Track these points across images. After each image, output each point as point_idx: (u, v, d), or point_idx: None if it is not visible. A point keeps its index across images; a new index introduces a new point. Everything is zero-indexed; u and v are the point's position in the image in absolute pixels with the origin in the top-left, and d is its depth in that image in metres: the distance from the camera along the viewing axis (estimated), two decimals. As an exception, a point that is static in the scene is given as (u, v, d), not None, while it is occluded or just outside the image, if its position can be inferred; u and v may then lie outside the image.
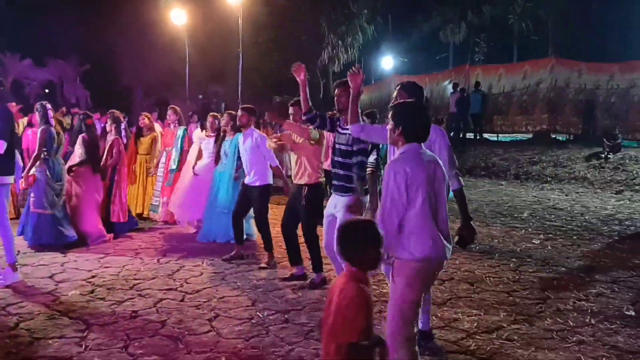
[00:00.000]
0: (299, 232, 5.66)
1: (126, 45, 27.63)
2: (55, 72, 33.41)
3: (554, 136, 17.84)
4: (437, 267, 3.16)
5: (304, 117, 5.01)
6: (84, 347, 3.99)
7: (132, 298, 5.07)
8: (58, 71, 33.27)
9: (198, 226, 7.72)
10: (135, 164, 8.59)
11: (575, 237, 7.78)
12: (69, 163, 7.18)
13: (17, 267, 5.60)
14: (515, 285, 5.61)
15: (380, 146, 7.97)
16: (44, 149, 6.53)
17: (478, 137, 19.07)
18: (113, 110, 7.92)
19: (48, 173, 6.58)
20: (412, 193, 3.00)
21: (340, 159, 4.84)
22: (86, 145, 7.06)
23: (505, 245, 7.33)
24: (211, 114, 8.09)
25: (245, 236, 7.27)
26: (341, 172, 4.82)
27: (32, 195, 6.62)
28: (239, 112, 6.44)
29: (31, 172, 6.45)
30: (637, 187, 12.10)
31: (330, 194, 5.01)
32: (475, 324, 4.53)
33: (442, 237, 3.08)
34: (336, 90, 4.87)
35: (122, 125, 7.73)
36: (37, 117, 6.70)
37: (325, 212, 4.96)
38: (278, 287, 5.48)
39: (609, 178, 13.01)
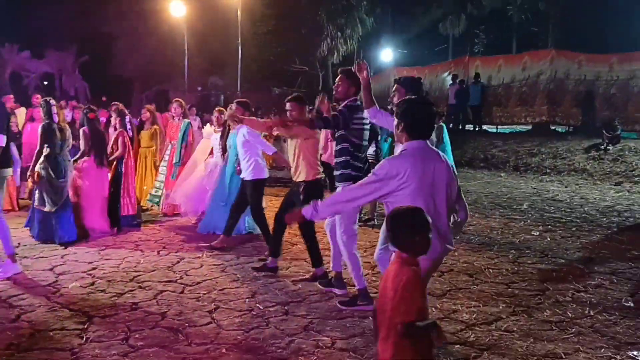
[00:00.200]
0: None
1: (125, 37, 27.54)
2: (53, 64, 33.30)
3: (553, 128, 17.84)
4: (433, 262, 3.20)
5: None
6: (85, 339, 4.00)
7: (132, 290, 5.08)
8: (57, 63, 33.16)
9: (200, 218, 7.74)
10: (138, 157, 8.60)
11: (574, 229, 7.80)
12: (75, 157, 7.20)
13: (17, 258, 5.61)
14: (514, 276, 5.63)
15: (379, 137, 7.99)
16: (47, 145, 6.52)
17: (477, 129, 19.06)
18: (117, 103, 7.92)
19: (50, 170, 6.55)
20: (411, 193, 3.02)
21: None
22: (87, 138, 7.05)
23: (504, 237, 7.34)
24: (217, 108, 8.09)
25: (248, 230, 7.32)
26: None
27: (36, 191, 6.64)
28: (233, 106, 6.45)
29: (36, 169, 6.47)
30: (636, 179, 12.11)
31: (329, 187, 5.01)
32: (474, 316, 4.55)
33: (440, 234, 3.11)
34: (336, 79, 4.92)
35: (127, 118, 7.73)
36: (40, 112, 6.67)
37: None
38: (278, 279, 5.49)
39: (608, 170, 13.02)
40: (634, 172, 12.52)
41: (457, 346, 3.96)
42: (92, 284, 5.25)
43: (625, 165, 13.01)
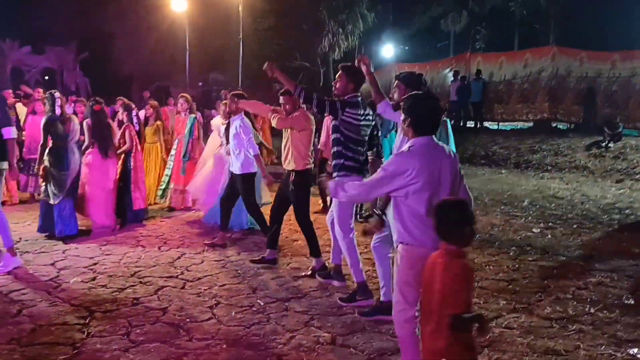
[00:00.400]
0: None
1: (125, 34, 27.51)
2: (54, 60, 33.26)
3: (554, 125, 17.79)
4: (423, 253, 3.20)
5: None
6: (86, 333, 4.02)
7: (133, 285, 5.09)
8: (57, 58, 33.12)
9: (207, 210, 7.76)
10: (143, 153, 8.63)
11: (575, 226, 7.79)
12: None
13: (18, 253, 5.62)
14: (515, 274, 5.63)
15: (379, 133, 7.97)
16: (50, 137, 6.54)
17: (478, 126, 19.02)
18: (122, 98, 7.94)
19: (52, 162, 6.57)
20: (418, 189, 3.06)
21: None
22: (89, 131, 7.04)
23: (505, 234, 7.34)
24: (224, 101, 8.12)
25: (250, 225, 7.31)
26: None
27: (42, 184, 6.68)
28: (228, 99, 6.49)
29: (44, 162, 6.50)
30: (637, 176, 12.09)
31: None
32: (474, 312, 4.54)
33: None
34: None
35: (134, 113, 7.75)
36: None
37: None
38: (279, 275, 5.50)
39: (609, 167, 13.00)
40: (635, 170, 12.50)
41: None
42: (94, 279, 5.26)
43: (627, 162, 12.98)
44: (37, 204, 8.79)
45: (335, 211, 4.90)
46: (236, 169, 6.27)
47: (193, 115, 8.70)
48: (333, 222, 5.00)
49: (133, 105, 8.10)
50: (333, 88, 4.94)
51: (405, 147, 3.23)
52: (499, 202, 9.65)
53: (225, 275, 5.47)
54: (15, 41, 31.47)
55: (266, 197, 7.54)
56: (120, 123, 7.70)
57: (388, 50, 33.42)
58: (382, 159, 4.97)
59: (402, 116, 3.26)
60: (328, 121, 6.30)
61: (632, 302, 4.85)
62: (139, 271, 5.52)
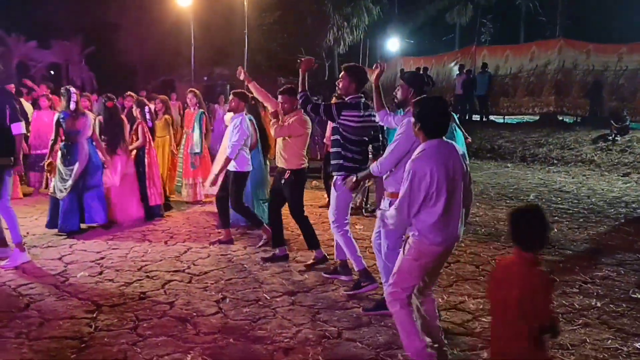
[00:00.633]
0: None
1: (130, 26, 27.47)
2: (60, 54, 33.26)
3: (560, 118, 17.72)
4: (447, 251, 3.40)
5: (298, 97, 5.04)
6: (94, 327, 4.04)
7: (140, 280, 5.12)
8: (63, 53, 33.12)
9: None
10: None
11: (581, 220, 7.77)
12: None
13: (26, 247, 5.66)
14: (521, 267, 5.61)
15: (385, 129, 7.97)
16: (63, 133, 6.61)
17: (484, 119, 18.97)
18: (131, 94, 7.97)
19: (60, 157, 6.63)
20: (435, 191, 3.19)
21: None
22: (101, 128, 7.06)
23: (511, 228, 7.31)
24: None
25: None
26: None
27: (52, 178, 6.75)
28: (230, 97, 6.48)
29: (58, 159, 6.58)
30: (644, 170, 12.05)
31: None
32: (480, 306, 4.55)
33: (457, 223, 3.32)
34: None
35: (146, 109, 7.78)
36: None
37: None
38: (285, 269, 5.51)
39: (616, 160, 12.95)
40: (641, 163, 12.45)
41: (464, 337, 3.97)
42: (101, 273, 5.29)
43: (634, 156, 12.93)
44: (44, 199, 8.88)
45: (333, 206, 4.97)
46: (231, 166, 6.28)
47: (201, 110, 8.72)
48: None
49: (146, 101, 8.15)
50: (336, 88, 5.02)
51: (417, 152, 3.30)
52: (504, 195, 9.64)
53: (232, 270, 5.49)
54: (21, 36, 31.50)
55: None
56: (130, 117, 7.72)
57: (393, 43, 33.31)
58: None
59: (413, 120, 3.36)
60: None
61: (639, 295, 4.84)
62: (146, 265, 5.55)
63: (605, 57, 16.31)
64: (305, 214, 5.73)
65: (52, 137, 6.67)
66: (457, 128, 7.96)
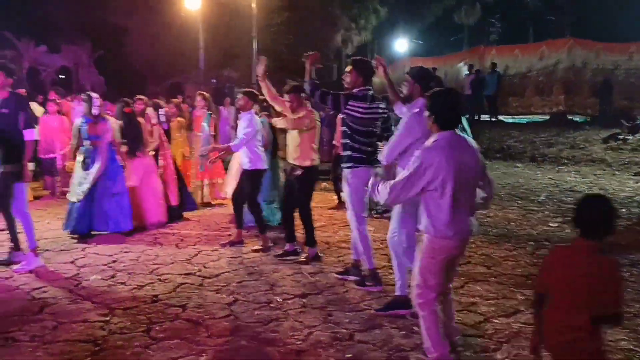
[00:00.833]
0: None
1: (139, 31, 27.61)
2: (69, 58, 33.49)
3: (570, 117, 17.64)
4: (461, 245, 3.41)
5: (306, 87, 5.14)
6: (107, 330, 4.07)
7: (152, 283, 5.14)
8: (73, 57, 33.35)
9: None
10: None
11: (593, 220, 7.71)
12: None
13: (39, 251, 5.70)
14: (532, 268, 5.59)
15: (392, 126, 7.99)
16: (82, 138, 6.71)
17: (493, 119, 18.91)
18: (141, 97, 8.02)
19: (78, 161, 6.71)
20: (441, 182, 3.20)
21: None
22: (120, 132, 7.11)
23: (522, 229, 7.30)
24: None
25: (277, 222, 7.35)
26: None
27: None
28: (239, 95, 6.54)
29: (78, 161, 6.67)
30: (655, 169, 11.95)
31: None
32: (492, 308, 4.54)
33: (467, 217, 3.35)
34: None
35: (161, 111, 7.85)
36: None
37: None
38: (296, 271, 5.52)
39: (627, 160, 12.85)
40: (653, 162, 12.36)
41: (477, 339, 3.96)
42: (113, 276, 5.32)
43: (645, 155, 12.84)
44: (54, 202, 8.98)
45: (349, 202, 5.03)
46: (245, 164, 6.31)
47: (209, 112, 8.76)
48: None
49: (162, 104, 8.22)
50: (343, 82, 5.07)
51: (429, 142, 3.32)
52: (515, 196, 9.60)
53: (242, 272, 5.50)
54: (31, 40, 31.73)
55: None
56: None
57: (401, 44, 33.29)
58: None
59: (426, 113, 3.37)
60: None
61: (653, 296, 4.80)
62: (157, 268, 5.58)
63: (615, 56, 16.26)
64: (310, 213, 5.87)
65: (74, 141, 6.78)
66: (464, 129, 7.93)
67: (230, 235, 6.75)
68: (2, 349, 3.76)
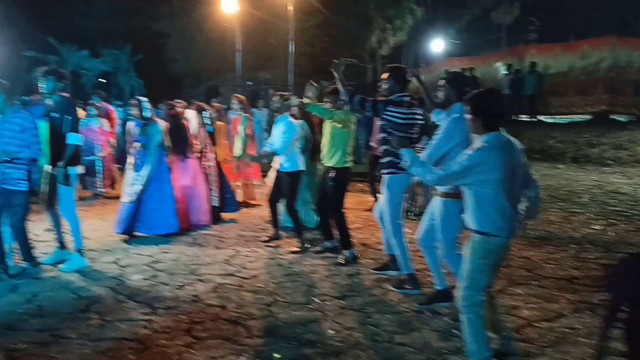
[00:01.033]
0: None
1: (178, 35, 28.08)
2: (110, 63, 34.36)
3: (613, 117, 17.14)
4: (509, 244, 3.40)
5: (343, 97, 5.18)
6: (151, 329, 4.15)
7: (192, 283, 5.23)
8: (113, 61, 34.20)
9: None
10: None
11: (638, 222, 7.50)
12: None
13: (84, 252, 5.86)
14: (575, 272, 5.47)
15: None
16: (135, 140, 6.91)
17: (533, 119, 18.52)
18: (179, 101, 8.20)
19: (128, 163, 6.92)
20: (499, 181, 3.24)
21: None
22: (167, 135, 7.25)
23: (564, 231, 7.14)
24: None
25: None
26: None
27: None
28: (274, 99, 6.64)
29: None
30: None
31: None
32: (534, 312, 4.46)
33: (514, 214, 3.35)
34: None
35: (207, 114, 8.03)
36: (135, 110, 7.00)
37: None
38: (333, 273, 5.53)
39: (674, 161, 12.44)
40: (702, 163, 11.92)
41: (519, 343, 3.88)
42: (154, 276, 5.43)
43: (693, 155, 12.40)
44: (99, 204, 9.22)
45: (386, 208, 5.05)
46: (283, 165, 6.37)
47: (245, 115, 8.85)
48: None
49: (206, 107, 8.37)
50: (380, 88, 5.11)
51: (478, 143, 3.32)
52: (556, 198, 9.39)
53: (280, 273, 5.55)
54: (73, 45, 32.65)
55: None
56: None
57: (437, 44, 32.94)
58: None
59: (470, 116, 3.36)
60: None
61: None
62: (197, 269, 5.66)
63: (661, 54, 15.74)
64: (343, 214, 5.93)
65: (131, 144, 7.01)
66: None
67: (268, 236, 6.80)
68: (52, 346, 3.88)
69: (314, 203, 7.18)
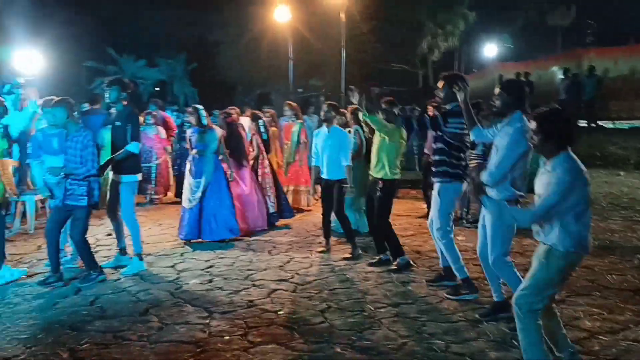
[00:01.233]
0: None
1: (231, 44, 28.63)
2: (165, 72, 35.35)
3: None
4: (580, 259, 3.42)
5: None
6: (207, 333, 4.23)
7: (247, 288, 5.30)
8: (168, 70, 35.17)
9: None
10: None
11: None
12: None
13: (143, 256, 6.04)
14: (640, 283, 5.25)
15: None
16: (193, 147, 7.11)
17: (591, 125, 17.90)
18: (234, 108, 8.38)
19: (189, 170, 7.09)
20: (585, 199, 3.26)
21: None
22: (224, 142, 7.40)
23: (627, 241, 6.87)
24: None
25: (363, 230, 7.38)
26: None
27: None
28: (324, 107, 6.68)
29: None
30: None
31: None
32: (598, 324, 4.30)
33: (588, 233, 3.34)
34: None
35: (261, 122, 8.20)
36: (192, 118, 7.21)
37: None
38: (387, 280, 5.50)
39: None
40: None
41: (582, 355, 3.75)
42: (210, 281, 5.54)
43: None
44: (155, 209, 9.49)
45: (436, 214, 5.04)
46: (331, 175, 6.42)
47: (300, 122, 8.95)
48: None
49: (261, 115, 8.51)
50: (436, 97, 5.04)
51: (562, 165, 3.23)
52: (618, 206, 9.04)
53: (334, 280, 5.55)
54: (130, 56, 33.79)
55: None
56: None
57: (490, 49, 32.40)
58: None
59: (540, 135, 3.31)
60: None
61: None
62: (252, 274, 5.74)
63: None
64: (390, 224, 5.94)
65: (190, 152, 7.17)
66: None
67: (320, 243, 6.83)
68: (113, 347, 4.01)
69: (365, 210, 7.15)
